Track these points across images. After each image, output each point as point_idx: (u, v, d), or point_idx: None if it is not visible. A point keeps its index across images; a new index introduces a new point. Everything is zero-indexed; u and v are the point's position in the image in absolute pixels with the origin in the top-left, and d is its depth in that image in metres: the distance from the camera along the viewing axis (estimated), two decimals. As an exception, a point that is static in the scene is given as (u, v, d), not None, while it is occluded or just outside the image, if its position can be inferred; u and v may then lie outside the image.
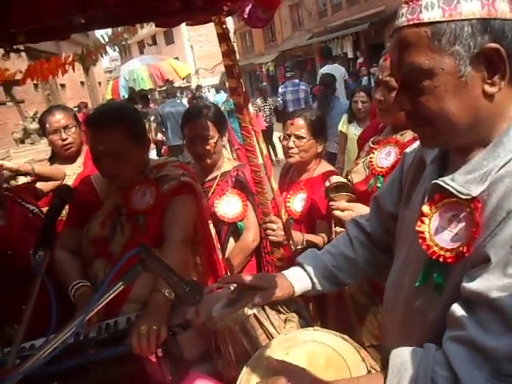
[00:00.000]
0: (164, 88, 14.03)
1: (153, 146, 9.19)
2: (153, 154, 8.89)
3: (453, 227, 0.93)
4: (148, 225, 1.85)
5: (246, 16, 1.92)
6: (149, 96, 13.58)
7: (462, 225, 0.91)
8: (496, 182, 0.87)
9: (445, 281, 0.94)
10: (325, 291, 1.39)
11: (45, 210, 2.31)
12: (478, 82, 0.88)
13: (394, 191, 1.30)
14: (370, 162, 1.91)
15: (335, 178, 1.93)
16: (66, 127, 2.87)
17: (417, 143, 1.21)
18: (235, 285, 1.39)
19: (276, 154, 9.78)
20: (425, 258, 0.98)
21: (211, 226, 2.20)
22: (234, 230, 2.47)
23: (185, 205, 1.91)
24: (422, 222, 0.99)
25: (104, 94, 17.59)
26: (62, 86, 17.04)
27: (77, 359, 1.41)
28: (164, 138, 8.85)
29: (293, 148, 2.38)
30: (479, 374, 0.82)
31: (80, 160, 2.97)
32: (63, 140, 2.87)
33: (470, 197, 0.90)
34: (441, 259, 0.93)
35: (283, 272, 1.38)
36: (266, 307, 1.35)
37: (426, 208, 0.99)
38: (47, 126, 2.89)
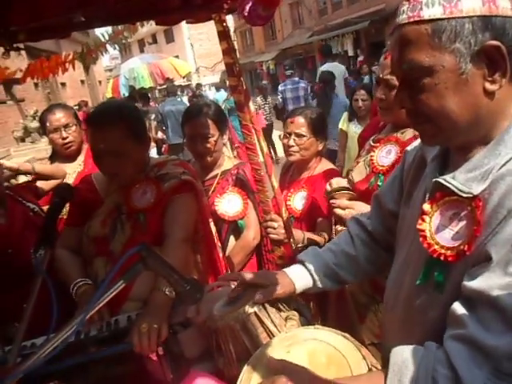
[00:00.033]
0: (164, 86, 14.03)
1: (153, 144, 9.19)
2: (153, 153, 8.88)
3: (454, 225, 0.93)
4: (148, 223, 1.85)
5: (246, 14, 1.91)
6: (149, 94, 13.57)
7: (463, 223, 0.91)
8: (497, 181, 0.87)
9: (445, 279, 0.94)
10: (325, 289, 1.40)
11: (45, 208, 2.31)
12: (479, 80, 0.88)
13: (395, 189, 1.30)
14: (371, 160, 1.91)
15: (336, 183, 1.92)
16: (66, 126, 2.87)
17: (418, 141, 1.21)
18: (236, 283, 1.39)
19: (276, 153, 9.76)
20: (425, 257, 0.98)
21: (212, 225, 2.19)
22: (235, 228, 2.47)
23: (185, 203, 1.91)
24: (423, 220, 0.99)
25: (104, 93, 17.59)
26: (63, 84, 17.03)
27: (78, 358, 1.41)
28: (164, 137, 8.85)
29: (293, 146, 2.38)
30: (479, 373, 0.81)
31: (80, 158, 2.98)
32: (63, 139, 2.87)
33: (471, 195, 0.90)
34: (442, 258, 0.93)
35: (284, 269, 1.39)
36: (267, 305, 1.35)
37: (426, 206, 0.99)
38: (47, 124, 2.90)
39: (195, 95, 14.15)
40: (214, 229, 2.20)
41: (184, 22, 2.28)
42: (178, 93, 14.19)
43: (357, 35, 21.78)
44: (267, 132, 9.27)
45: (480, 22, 0.84)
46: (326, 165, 2.48)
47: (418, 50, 0.89)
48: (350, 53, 21.82)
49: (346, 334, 1.18)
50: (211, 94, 15.92)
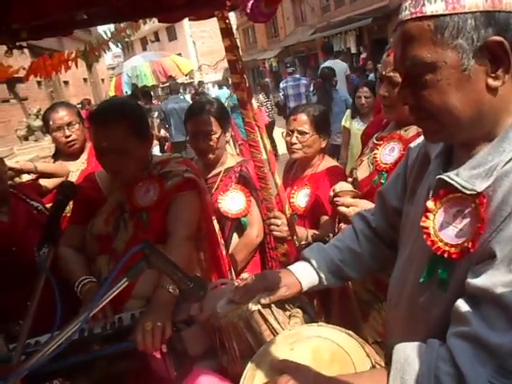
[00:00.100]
0: (167, 84, 14.04)
1: (156, 142, 9.19)
2: (156, 151, 8.89)
3: (458, 223, 0.93)
4: (151, 221, 1.85)
5: (248, 11, 1.91)
6: (152, 92, 13.58)
7: (466, 220, 0.91)
8: (501, 178, 0.86)
9: (449, 277, 0.93)
10: (330, 286, 1.39)
11: (49, 206, 2.32)
12: (482, 76, 0.87)
13: (399, 186, 1.30)
14: (374, 158, 1.91)
15: (339, 188, 1.90)
16: (69, 124, 2.88)
17: (421, 138, 1.21)
18: (236, 283, 1.39)
19: (276, 151, 9.72)
20: (429, 254, 0.97)
21: (215, 222, 2.19)
22: (238, 225, 2.47)
23: (188, 201, 1.91)
24: (427, 217, 0.98)
25: (107, 91, 17.63)
26: (65, 83, 17.06)
27: (81, 355, 1.41)
28: (167, 135, 8.85)
29: (296, 144, 2.37)
30: (483, 370, 0.81)
31: (84, 157, 2.98)
32: (67, 137, 2.87)
33: (474, 192, 0.89)
34: (445, 255, 0.92)
35: (290, 267, 1.38)
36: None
37: (430, 203, 0.98)
38: (51, 123, 2.90)
39: (198, 93, 14.15)
40: (217, 226, 2.20)
41: (186, 19, 2.28)
42: (181, 91, 14.19)
43: (360, 32, 21.69)
44: (269, 129, 9.26)
45: (483, 18, 0.84)
46: (329, 162, 2.47)
47: (420, 46, 0.88)
48: (353, 50, 21.75)
49: (350, 332, 1.17)
50: (213, 92, 15.92)
